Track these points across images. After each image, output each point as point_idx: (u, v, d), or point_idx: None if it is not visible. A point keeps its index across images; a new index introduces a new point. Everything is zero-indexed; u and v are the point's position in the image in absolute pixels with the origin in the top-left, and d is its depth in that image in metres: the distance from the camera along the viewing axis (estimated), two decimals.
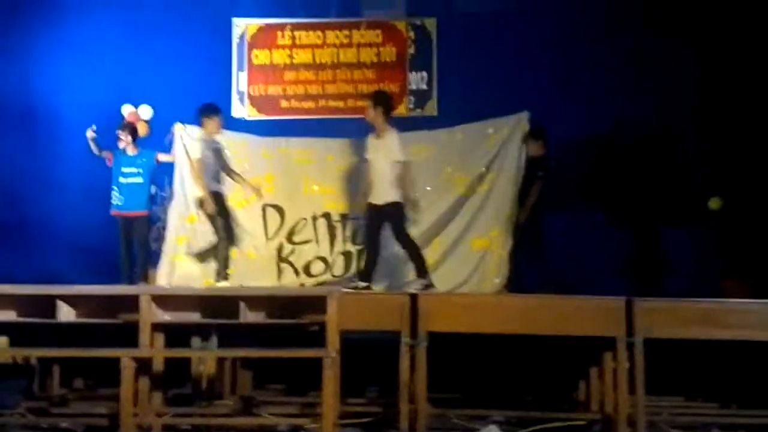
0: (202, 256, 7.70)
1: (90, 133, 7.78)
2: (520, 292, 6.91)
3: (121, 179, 7.76)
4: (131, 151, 7.83)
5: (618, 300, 5.33)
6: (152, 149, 7.91)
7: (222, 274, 7.26)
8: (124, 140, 7.82)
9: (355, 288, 6.73)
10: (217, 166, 7.36)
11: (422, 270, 6.89)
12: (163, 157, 7.88)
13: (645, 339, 5.20)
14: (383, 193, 6.89)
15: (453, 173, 7.81)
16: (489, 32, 8.42)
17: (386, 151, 6.92)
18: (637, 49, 8.15)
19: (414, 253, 6.95)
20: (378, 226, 6.97)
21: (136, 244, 7.75)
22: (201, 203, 7.42)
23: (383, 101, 7.14)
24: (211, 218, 7.32)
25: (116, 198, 7.73)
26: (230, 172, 7.56)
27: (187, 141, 7.83)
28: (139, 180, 7.76)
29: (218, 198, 7.32)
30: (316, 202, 7.91)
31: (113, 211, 7.75)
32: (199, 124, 7.44)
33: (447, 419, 5.59)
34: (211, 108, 7.44)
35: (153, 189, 7.93)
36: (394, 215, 6.91)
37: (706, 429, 5.51)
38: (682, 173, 7.99)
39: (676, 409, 5.84)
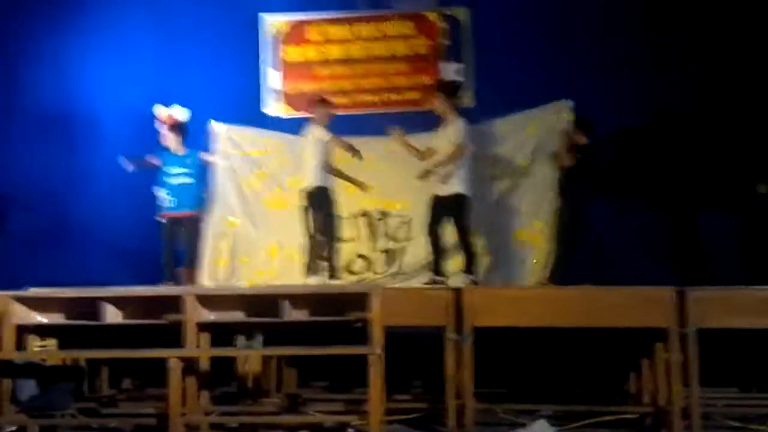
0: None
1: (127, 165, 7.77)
2: (565, 283, 6.82)
3: (172, 180, 7.70)
4: (180, 151, 7.79)
5: (668, 290, 5.24)
6: (196, 149, 7.88)
7: (312, 267, 7.22)
8: (175, 140, 7.77)
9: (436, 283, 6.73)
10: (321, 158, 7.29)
11: (472, 265, 6.85)
12: (207, 157, 7.86)
13: (698, 329, 5.10)
14: (447, 184, 6.87)
15: (494, 164, 7.72)
16: (524, 20, 8.27)
17: (448, 139, 6.92)
18: (680, 31, 8.00)
19: (469, 247, 6.90)
20: (440, 218, 6.95)
21: (185, 244, 7.69)
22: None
23: (446, 89, 7.27)
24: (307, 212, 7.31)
25: (167, 200, 7.68)
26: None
27: (224, 140, 7.85)
28: (189, 180, 7.72)
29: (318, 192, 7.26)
30: (355, 199, 7.84)
31: (163, 213, 7.68)
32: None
33: (494, 414, 5.54)
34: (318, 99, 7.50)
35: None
36: (456, 207, 6.88)
37: (763, 420, 5.39)
38: (727, 158, 7.82)
39: (731, 401, 5.73)
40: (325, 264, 7.22)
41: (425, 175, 6.98)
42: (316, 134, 7.29)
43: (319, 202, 7.25)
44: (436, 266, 6.95)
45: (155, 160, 7.78)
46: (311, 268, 7.23)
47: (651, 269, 7.00)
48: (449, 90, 7.30)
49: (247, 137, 8.05)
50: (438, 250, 6.96)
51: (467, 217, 6.94)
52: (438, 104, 7.07)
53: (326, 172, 7.32)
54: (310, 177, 7.27)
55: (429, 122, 8.01)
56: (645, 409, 5.56)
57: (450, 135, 6.94)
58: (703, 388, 5.25)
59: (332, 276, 7.20)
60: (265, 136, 8.10)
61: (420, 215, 7.28)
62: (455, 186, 6.88)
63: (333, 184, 7.39)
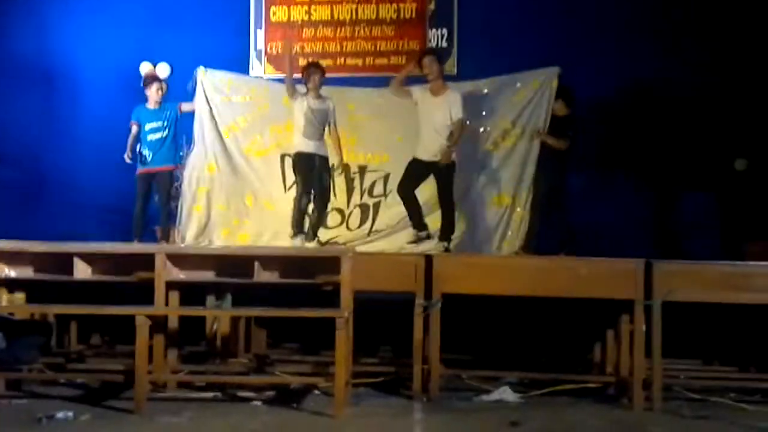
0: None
1: (134, 130, 7.69)
2: (540, 253, 6.84)
3: (148, 136, 7.64)
4: (154, 105, 7.71)
5: (637, 262, 5.26)
6: (174, 101, 7.80)
7: (294, 230, 7.15)
8: (155, 95, 7.68)
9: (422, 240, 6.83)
10: (310, 123, 7.16)
11: (449, 234, 6.89)
12: (186, 107, 7.79)
13: (663, 302, 5.13)
14: (435, 149, 6.81)
15: (477, 127, 7.64)
16: None
17: (446, 109, 6.83)
18: (667, 6, 7.94)
19: (450, 215, 6.93)
20: (419, 181, 6.95)
21: (159, 200, 7.66)
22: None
23: (440, 57, 7.23)
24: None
25: (143, 156, 7.62)
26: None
27: (208, 86, 7.80)
28: (164, 134, 7.67)
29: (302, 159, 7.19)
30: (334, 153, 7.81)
31: (141, 170, 7.63)
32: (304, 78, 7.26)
33: (460, 380, 5.58)
34: (306, 65, 7.36)
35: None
36: (445, 174, 6.85)
37: (723, 392, 5.45)
38: (707, 134, 7.80)
39: (693, 373, 5.78)
40: (308, 228, 7.19)
41: (447, 156, 6.81)
42: (308, 102, 7.16)
43: (303, 168, 7.18)
44: (418, 223, 6.91)
45: (133, 125, 7.69)
46: (294, 231, 7.18)
47: (628, 243, 7.04)
48: (438, 55, 7.22)
49: (232, 83, 7.95)
50: (416, 209, 6.93)
51: (452, 185, 6.92)
52: (434, 70, 6.91)
53: (315, 140, 7.19)
54: (296, 142, 7.21)
55: (412, 85, 8.01)
56: (608, 378, 5.61)
57: (451, 108, 6.83)
58: (667, 359, 5.29)
59: (310, 241, 7.16)
60: (249, 84, 8.06)
61: (399, 172, 7.22)
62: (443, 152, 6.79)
63: (324, 151, 7.26)
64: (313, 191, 7.17)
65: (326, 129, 7.27)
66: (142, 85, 7.83)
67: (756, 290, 5.26)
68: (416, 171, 6.94)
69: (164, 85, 7.82)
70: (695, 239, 7.53)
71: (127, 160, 7.60)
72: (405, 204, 6.99)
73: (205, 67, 7.88)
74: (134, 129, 7.65)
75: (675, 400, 5.32)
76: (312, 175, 7.14)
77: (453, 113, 6.80)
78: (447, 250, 6.75)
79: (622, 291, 5.24)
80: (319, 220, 7.27)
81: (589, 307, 5.52)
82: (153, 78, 7.85)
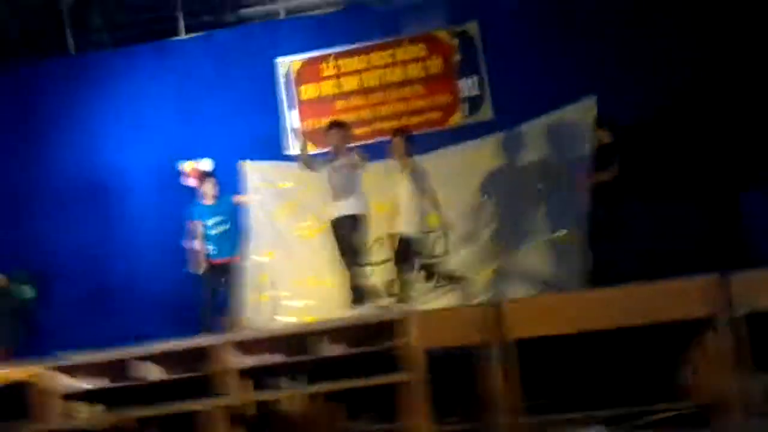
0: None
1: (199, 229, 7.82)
2: (606, 284, 6.65)
3: (212, 231, 7.76)
4: (211, 200, 7.85)
5: (710, 277, 5.07)
6: (226, 194, 7.93)
7: (354, 298, 7.06)
8: (211, 191, 7.84)
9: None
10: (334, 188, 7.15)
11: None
12: (239, 198, 7.93)
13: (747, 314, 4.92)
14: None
15: (524, 169, 7.66)
16: (533, 27, 8.26)
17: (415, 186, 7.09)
18: (692, 19, 7.87)
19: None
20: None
21: (227, 290, 7.76)
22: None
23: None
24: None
25: (210, 250, 7.74)
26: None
27: (253, 178, 7.96)
28: (227, 227, 7.79)
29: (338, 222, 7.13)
30: (388, 220, 7.79)
31: (209, 261, 7.73)
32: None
33: (546, 427, 5.38)
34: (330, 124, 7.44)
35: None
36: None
37: None
38: (756, 137, 7.60)
39: None
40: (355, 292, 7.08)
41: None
42: (330, 165, 7.18)
43: (339, 230, 7.14)
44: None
45: (199, 227, 7.79)
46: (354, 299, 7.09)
47: (692, 259, 6.81)
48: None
49: (275, 171, 8.13)
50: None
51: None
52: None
53: (340, 200, 7.13)
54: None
55: (451, 140, 8.03)
56: (701, 400, 5.35)
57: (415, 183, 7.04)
58: (760, 373, 5.03)
59: (361, 301, 7.04)
60: (293, 169, 8.10)
61: (455, 228, 7.47)
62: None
63: (350, 210, 7.13)
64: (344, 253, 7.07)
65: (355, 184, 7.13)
66: (196, 183, 7.98)
67: None
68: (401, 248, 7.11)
69: (216, 180, 7.96)
70: (764, 244, 7.25)
71: (202, 271, 7.73)
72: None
73: (246, 155, 8.03)
74: (200, 229, 7.78)
75: None
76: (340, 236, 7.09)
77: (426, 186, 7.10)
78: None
79: (700, 309, 5.05)
80: (354, 283, 7.07)
81: (670, 330, 5.31)
82: (208, 174, 8.03)
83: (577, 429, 5.27)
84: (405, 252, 7.12)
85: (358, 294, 7.04)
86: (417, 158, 7.42)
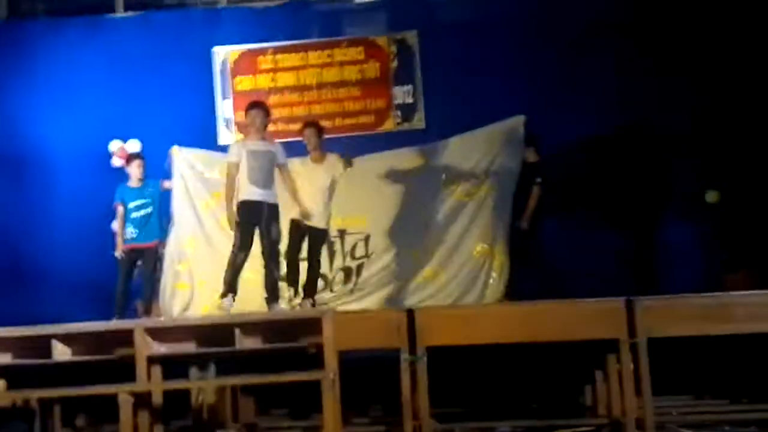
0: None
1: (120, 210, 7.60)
2: (520, 299, 6.84)
3: (132, 214, 7.57)
4: (136, 182, 7.68)
5: (617, 300, 5.27)
6: (155, 178, 7.78)
7: (224, 290, 6.57)
8: (137, 173, 7.64)
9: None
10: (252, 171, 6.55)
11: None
12: (168, 184, 7.80)
13: (648, 338, 5.12)
14: (315, 212, 6.99)
15: (449, 181, 7.79)
16: (471, 42, 8.40)
17: (327, 174, 7.04)
18: (624, 43, 8.11)
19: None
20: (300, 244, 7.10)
21: (144, 276, 7.61)
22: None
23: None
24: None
25: (129, 233, 7.56)
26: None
27: (182, 164, 7.85)
28: (148, 210, 7.62)
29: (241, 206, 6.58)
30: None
31: (126, 246, 7.53)
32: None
33: None
34: (248, 105, 6.94)
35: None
36: (320, 237, 7.16)
37: (717, 427, 5.41)
38: (676, 169, 7.91)
39: (685, 408, 5.75)
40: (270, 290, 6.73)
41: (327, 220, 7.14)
42: (247, 146, 6.64)
43: (245, 218, 6.59)
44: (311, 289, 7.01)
45: (120, 209, 7.59)
46: (223, 292, 6.61)
47: (609, 283, 7.04)
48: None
49: (204, 159, 8.00)
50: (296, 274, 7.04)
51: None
52: (312, 140, 7.09)
53: (261, 187, 6.60)
54: (240, 191, 6.61)
55: (382, 145, 8.11)
56: (601, 420, 5.57)
57: (334, 171, 7.04)
58: (658, 397, 5.26)
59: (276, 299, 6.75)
60: (222, 159, 8.03)
61: (378, 232, 7.57)
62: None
63: (273, 199, 6.66)
64: (263, 246, 6.58)
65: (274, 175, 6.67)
66: (123, 163, 7.85)
67: (738, 321, 5.25)
68: (297, 234, 7.02)
69: (143, 162, 7.82)
70: (675, 273, 7.56)
71: (120, 255, 7.54)
72: (288, 269, 6.99)
73: (178, 140, 7.94)
74: (120, 210, 7.59)
75: None
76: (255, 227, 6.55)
77: (335, 176, 7.01)
78: (313, 305, 6.87)
79: (606, 331, 5.23)
80: (272, 279, 6.63)
81: (576, 349, 5.50)
82: (135, 155, 7.88)
83: None
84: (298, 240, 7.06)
85: (275, 292, 6.77)
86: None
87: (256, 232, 6.53)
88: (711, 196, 7.75)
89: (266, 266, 6.63)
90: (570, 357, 5.79)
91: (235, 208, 6.53)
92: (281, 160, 6.68)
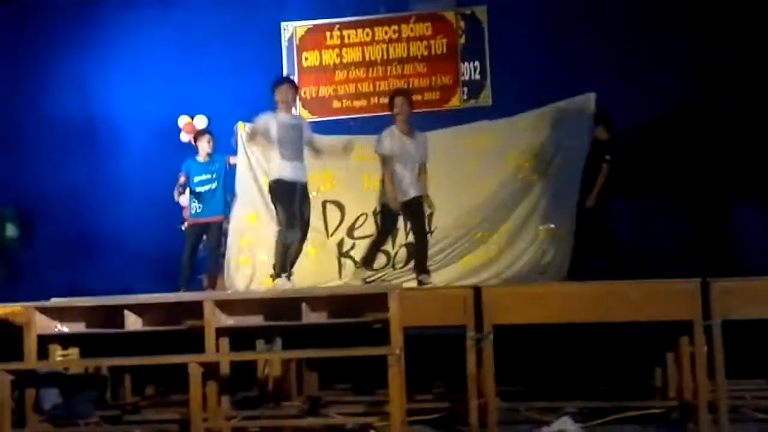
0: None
1: (182, 180, 7.71)
2: (587, 278, 6.73)
3: (197, 188, 7.72)
4: (203, 158, 7.80)
5: (692, 282, 5.11)
6: (222, 154, 7.89)
7: (277, 270, 6.66)
8: (206, 148, 7.77)
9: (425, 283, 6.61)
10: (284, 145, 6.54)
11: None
12: (234, 160, 7.86)
13: (723, 321, 4.99)
14: (411, 188, 6.82)
15: (519, 158, 7.65)
16: (541, 18, 8.29)
17: (421, 149, 6.90)
18: (699, 27, 7.91)
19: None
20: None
21: (208, 250, 7.75)
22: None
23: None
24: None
25: (194, 207, 7.72)
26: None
27: (247, 140, 7.80)
28: (213, 186, 7.76)
29: (277, 185, 6.60)
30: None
31: (191, 220, 7.73)
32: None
33: (518, 413, 5.45)
34: (277, 80, 6.88)
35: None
36: (418, 209, 6.90)
37: None
38: (749, 150, 7.67)
39: (759, 392, 5.58)
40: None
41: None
42: (278, 118, 6.58)
43: (284, 197, 6.62)
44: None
45: (182, 178, 7.72)
46: (276, 271, 6.71)
47: (677, 264, 6.91)
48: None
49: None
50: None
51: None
52: (405, 108, 6.85)
53: (292, 161, 6.62)
54: (273, 168, 6.68)
55: (448, 122, 8.05)
56: (671, 403, 5.43)
57: (426, 148, 6.90)
58: (730, 380, 5.11)
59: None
60: None
61: (443, 209, 7.41)
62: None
63: (303, 177, 6.74)
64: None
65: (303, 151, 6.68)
66: (192, 138, 7.93)
67: None
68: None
69: (212, 137, 7.90)
70: (750, 255, 7.35)
71: (177, 198, 7.70)
72: (418, 244, 6.90)
73: (242, 117, 7.97)
74: (182, 179, 7.70)
75: (743, 422, 5.14)
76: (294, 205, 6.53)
77: (425, 154, 6.86)
78: (422, 283, 6.71)
79: (679, 312, 5.09)
80: (296, 257, 6.71)
81: (648, 330, 5.38)
82: (203, 131, 7.98)
83: (547, 418, 5.32)
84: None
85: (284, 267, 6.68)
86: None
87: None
88: None
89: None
90: (640, 338, 5.66)
91: (267, 188, 6.68)
92: (307, 133, 6.70)
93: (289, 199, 6.52)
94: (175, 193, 7.68)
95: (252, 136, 6.69)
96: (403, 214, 6.95)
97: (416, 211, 6.89)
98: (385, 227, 7.13)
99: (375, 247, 7.10)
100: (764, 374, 5.89)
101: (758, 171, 7.68)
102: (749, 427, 5.08)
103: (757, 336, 5.52)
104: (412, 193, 6.81)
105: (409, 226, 7.27)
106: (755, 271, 6.04)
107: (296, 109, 6.83)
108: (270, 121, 6.53)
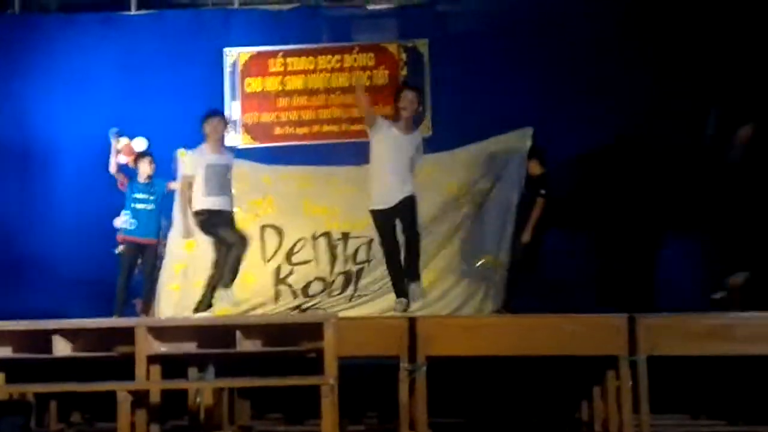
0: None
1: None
2: (520, 311, 6.84)
3: (135, 205, 7.73)
4: (144, 179, 7.82)
5: (619, 317, 5.26)
6: (164, 178, 7.87)
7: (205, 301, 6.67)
8: (146, 170, 7.81)
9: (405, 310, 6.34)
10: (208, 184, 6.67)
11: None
12: (173, 185, 7.79)
13: (648, 357, 5.12)
14: (397, 189, 6.32)
15: (454, 191, 7.74)
16: (482, 52, 8.43)
17: (417, 148, 6.48)
18: (634, 59, 8.12)
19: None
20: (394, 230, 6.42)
21: (144, 274, 7.71)
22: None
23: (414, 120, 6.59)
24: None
25: (128, 222, 7.70)
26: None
27: (186, 166, 7.76)
28: (150, 207, 7.76)
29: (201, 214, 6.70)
30: (317, 221, 7.82)
31: (123, 236, 7.70)
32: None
33: None
34: (207, 112, 6.84)
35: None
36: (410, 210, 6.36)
37: None
38: (680, 183, 7.89)
39: (682, 428, 5.75)
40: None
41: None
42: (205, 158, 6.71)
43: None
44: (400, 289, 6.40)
45: (123, 181, 7.78)
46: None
47: (605, 299, 7.07)
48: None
49: None
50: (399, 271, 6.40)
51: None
52: (414, 106, 6.37)
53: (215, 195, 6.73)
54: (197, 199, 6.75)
55: None
56: None
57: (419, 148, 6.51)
58: (655, 414, 5.25)
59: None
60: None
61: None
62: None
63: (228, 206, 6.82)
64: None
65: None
66: (129, 161, 7.92)
67: (739, 341, 5.22)
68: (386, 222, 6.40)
69: (153, 160, 7.90)
70: (675, 291, 7.55)
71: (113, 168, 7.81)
72: (389, 263, 6.44)
73: (183, 141, 7.87)
74: (122, 178, 7.78)
75: None
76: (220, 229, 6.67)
77: (418, 145, 6.48)
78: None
79: (606, 347, 5.22)
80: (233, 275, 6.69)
81: (575, 364, 5.49)
82: (144, 153, 7.98)
83: None
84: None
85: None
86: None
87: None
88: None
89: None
90: (568, 371, 5.77)
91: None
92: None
93: (215, 225, 6.67)
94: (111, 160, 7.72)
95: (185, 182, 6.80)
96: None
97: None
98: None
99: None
100: (687, 409, 6.08)
101: (686, 206, 7.89)
102: None
103: (681, 371, 5.68)
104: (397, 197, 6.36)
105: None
106: (682, 306, 6.24)
107: (223, 143, 6.89)
108: (197, 168, 6.69)
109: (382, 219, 6.38)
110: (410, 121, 6.45)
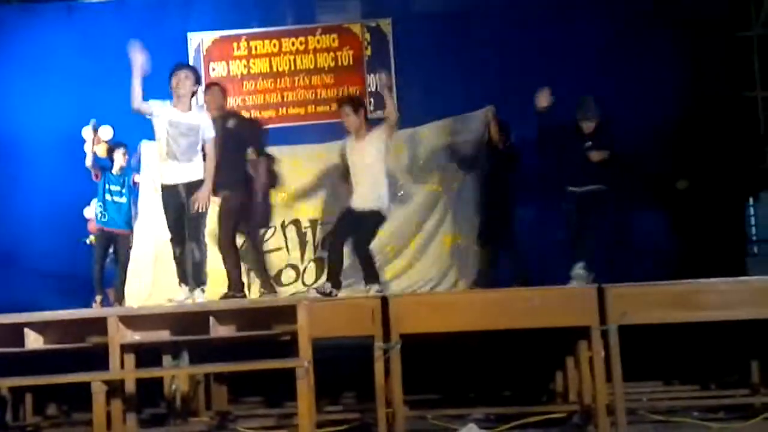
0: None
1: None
2: (493, 286, 6.89)
3: (108, 197, 7.78)
4: (117, 170, 7.84)
5: (589, 288, 5.32)
6: (131, 170, 7.89)
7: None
8: (121, 159, 7.80)
9: (325, 294, 6.47)
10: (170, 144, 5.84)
11: (374, 276, 6.58)
12: (137, 178, 7.91)
13: (619, 326, 5.18)
14: (367, 198, 6.49)
15: (424, 169, 7.79)
16: (445, 32, 8.50)
17: (375, 149, 6.50)
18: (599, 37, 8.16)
19: (369, 263, 6.59)
20: (349, 232, 6.58)
21: (117, 264, 7.76)
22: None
23: (363, 104, 6.83)
24: None
25: (101, 214, 7.75)
26: None
27: (149, 158, 7.71)
28: (123, 199, 7.83)
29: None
30: (285, 209, 7.80)
31: (97, 226, 7.76)
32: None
33: (425, 421, 5.55)
34: (174, 66, 6.10)
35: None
36: (371, 224, 6.51)
37: (686, 412, 5.50)
38: (647, 156, 7.98)
39: (655, 395, 5.84)
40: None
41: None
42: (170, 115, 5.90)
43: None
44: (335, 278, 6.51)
45: (97, 174, 7.78)
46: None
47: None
48: (363, 104, 6.93)
49: None
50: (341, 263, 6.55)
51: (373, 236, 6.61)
52: (355, 120, 6.48)
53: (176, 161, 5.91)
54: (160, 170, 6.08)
55: None
56: (572, 407, 5.62)
57: (379, 144, 6.53)
58: (628, 383, 5.32)
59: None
60: None
61: None
62: (373, 201, 6.48)
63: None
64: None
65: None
66: (105, 151, 7.88)
67: (708, 308, 5.27)
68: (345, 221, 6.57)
69: (127, 151, 7.86)
70: (645, 261, 7.64)
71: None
72: (330, 257, 6.55)
73: (148, 128, 7.82)
74: (96, 171, 7.73)
75: (640, 423, 5.36)
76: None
77: (379, 147, 6.47)
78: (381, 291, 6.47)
79: (577, 318, 5.27)
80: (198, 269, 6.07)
81: (548, 336, 5.55)
82: (118, 144, 7.94)
83: (454, 426, 5.43)
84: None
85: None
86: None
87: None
88: (682, 184, 7.85)
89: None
90: (542, 343, 5.83)
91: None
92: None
93: (168, 207, 6.01)
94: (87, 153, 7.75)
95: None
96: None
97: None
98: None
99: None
100: (659, 376, 6.17)
101: (658, 175, 7.99)
102: (646, 428, 5.30)
103: (652, 340, 5.75)
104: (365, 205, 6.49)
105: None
106: (655, 275, 6.31)
107: (192, 102, 6.04)
108: (161, 113, 5.85)
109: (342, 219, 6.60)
110: (362, 129, 6.50)
